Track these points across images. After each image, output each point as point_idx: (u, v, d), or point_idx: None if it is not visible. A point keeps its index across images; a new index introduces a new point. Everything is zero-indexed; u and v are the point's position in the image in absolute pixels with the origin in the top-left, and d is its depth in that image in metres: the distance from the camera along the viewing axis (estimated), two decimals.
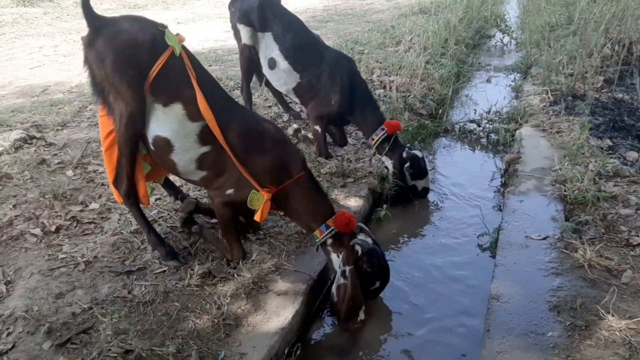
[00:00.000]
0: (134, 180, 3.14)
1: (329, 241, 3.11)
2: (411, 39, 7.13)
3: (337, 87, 4.28)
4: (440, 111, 5.65)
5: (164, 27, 2.96)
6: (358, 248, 3.05)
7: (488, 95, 6.05)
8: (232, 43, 5.19)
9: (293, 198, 3.10)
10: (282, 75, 4.41)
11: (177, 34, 2.98)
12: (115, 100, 2.91)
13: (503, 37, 8.67)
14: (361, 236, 3.12)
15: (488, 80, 6.98)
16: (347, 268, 3.01)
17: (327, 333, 3.14)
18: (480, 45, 8.37)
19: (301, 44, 4.37)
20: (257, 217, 3.03)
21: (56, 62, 7.18)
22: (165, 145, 2.98)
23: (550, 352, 2.57)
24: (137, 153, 3.07)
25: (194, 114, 2.93)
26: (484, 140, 5.44)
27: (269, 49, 4.40)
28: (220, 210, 3.16)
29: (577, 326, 2.71)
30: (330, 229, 3.08)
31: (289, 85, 4.45)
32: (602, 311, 2.75)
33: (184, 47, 2.98)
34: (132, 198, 3.18)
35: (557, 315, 2.80)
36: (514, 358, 2.56)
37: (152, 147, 3.04)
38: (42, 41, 8.50)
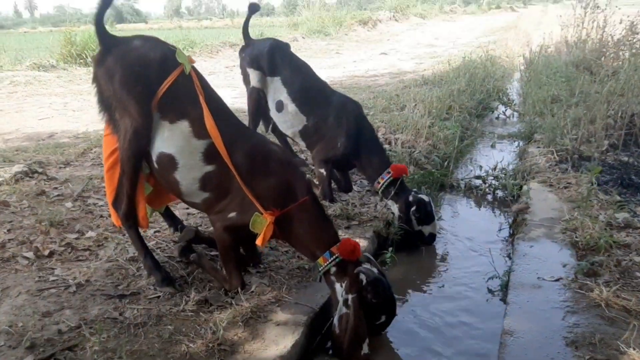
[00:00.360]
0: (134, 201, 3.06)
1: (333, 269, 2.96)
2: (415, 105, 7.21)
3: (344, 130, 4.27)
4: (445, 164, 5.61)
5: (175, 47, 2.99)
6: (362, 277, 2.90)
7: (492, 157, 6.06)
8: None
9: (297, 223, 2.98)
10: (289, 118, 4.42)
11: (188, 55, 3.01)
12: (121, 117, 2.90)
13: (505, 110, 8.79)
14: (366, 266, 2.99)
15: (492, 146, 7.00)
16: (350, 296, 2.85)
17: None
18: (483, 116, 8.47)
19: (309, 87, 4.42)
20: (258, 242, 2.91)
21: (65, 115, 7.26)
22: (169, 162, 2.93)
23: None
24: (139, 171, 3.01)
25: (200, 131, 2.89)
26: (490, 197, 5.37)
27: (277, 92, 4.44)
28: (221, 235, 3.04)
29: None
30: (334, 257, 2.94)
31: (295, 128, 4.44)
32: (623, 346, 2.58)
33: (193, 67, 2.99)
34: (131, 220, 3.09)
35: (575, 350, 2.63)
36: None
37: (155, 166, 2.98)
38: (53, 99, 8.65)
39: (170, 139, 2.90)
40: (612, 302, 2.97)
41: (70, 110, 7.66)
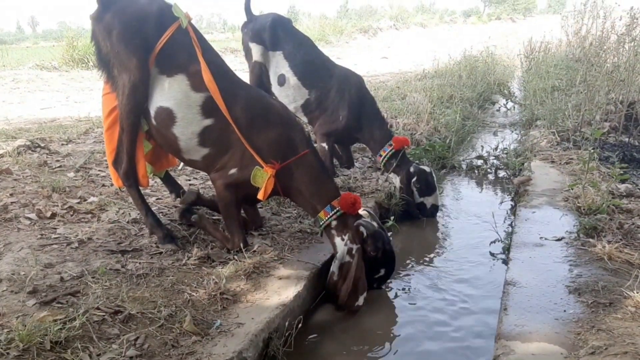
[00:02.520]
0: (134, 159, 3.07)
1: (334, 223, 2.97)
2: (416, 93, 7.23)
3: (346, 103, 4.29)
4: (447, 142, 5.62)
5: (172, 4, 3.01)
6: (363, 230, 2.91)
7: (494, 142, 6.08)
8: None
9: (297, 176, 2.99)
10: (290, 92, 4.43)
11: (185, 12, 3.02)
12: (120, 73, 2.92)
13: (507, 102, 8.82)
14: (367, 219, 2.99)
15: (494, 134, 7.03)
16: (355, 246, 2.85)
17: (331, 322, 2.91)
18: (484, 108, 8.49)
19: (311, 61, 4.43)
20: (260, 195, 2.92)
21: (67, 106, 7.28)
22: (167, 117, 2.93)
23: (574, 325, 2.36)
24: (138, 128, 3.02)
25: (197, 85, 2.90)
26: (491, 176, 5.38)
27: (279, 66, 4.46)
28: (223, 192, 3.04)
29: (600, 303, 2.52)
30: (335, 210, 2.95)
31: (297, 102, 4.45)
32: (626, 292, 2.57)
33: (190, 23, 3.01)
34: (131, 178, 3.10)
35: (578, 297, 2.61)
36: (535, 330, 2.35)
37: (154, 122, 2.98)
38: (55, 94, 8.68)
39: (168, 92, 2.91)
40: (614, 256, 2.96)
41: (72, 101, 7.69)
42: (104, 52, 2.95)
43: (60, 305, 2.40)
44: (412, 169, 4.16)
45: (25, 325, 2.10)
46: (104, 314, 2.34)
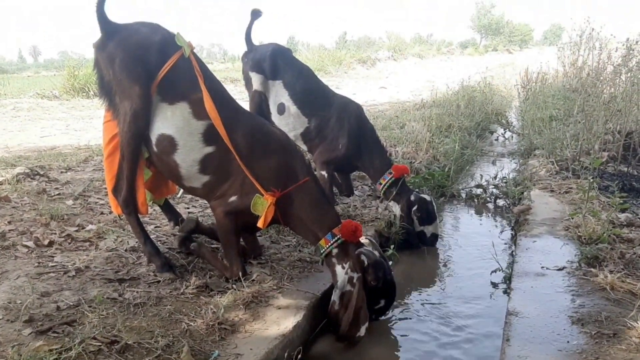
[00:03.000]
0: (134, 186, 3.05)
1: (334, 251, 2.94)
2: (415, 122, 7.27)
3: (345, 131, 4.30)
4: (446, 171, 5.63)
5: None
6: (364, 258, 2.88)
7: (493, 171, 6.09)
8: None
9: (298, 204, 2.97)
10: (290, 120, 4.45)
11: (188, 41, 3.05)
12: (121, 100, 2.92)
13: (505, 132, 8.87)
14: (368, 248, 2.97)
15: (493, 163, 7.05)
16: (356, 275, 2.83)
17: (331, 353, 2.87)
18: (482, 137, 8.54)
19: (310, 90, 4.46)
20: (260, 223, 2.90)
21: (67, 134, 7.32)
22: (169, 144, 2.93)
23: (578, 357, 2.33)
24: (139, 155, 3.02)
25: (199, 112, 2.91)
26: (491, 205, 5.37)
27: (278, 95, 4.48)
28: (223, 220, 3.02)
29: (604, 334, 2.49)
30: (336, 238, 2.93)
31: (297, 131, 4.47)
32: (630, 322, 2.54)
33: (192, 52, 3.03)
34: (131, 206, 3.08)
35: (582, 327, 2.58)
36: None
37: (155, 149, 2.98)
38: (55, 122, 8.72)
39: (170, 120, 2.91)
40: (617, 286, 2.94)
41: (72, 130, 7.73)
42: (106, 80, 2.96)
43: (56, 334, 2.36)
44: (412, 197, 4.16)
45: (21, 355, 2.07)
46: (100, 344, 2.30)
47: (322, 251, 2.96)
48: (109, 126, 3.09)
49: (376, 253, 2.96)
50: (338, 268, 2.93)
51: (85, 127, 7.97)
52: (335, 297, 2.85)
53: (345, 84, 20.29)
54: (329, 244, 2.93)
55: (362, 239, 3.02)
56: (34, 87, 18.85)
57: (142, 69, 2.87)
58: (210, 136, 2.93)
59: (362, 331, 2.83)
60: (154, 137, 2.96)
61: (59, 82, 14.55)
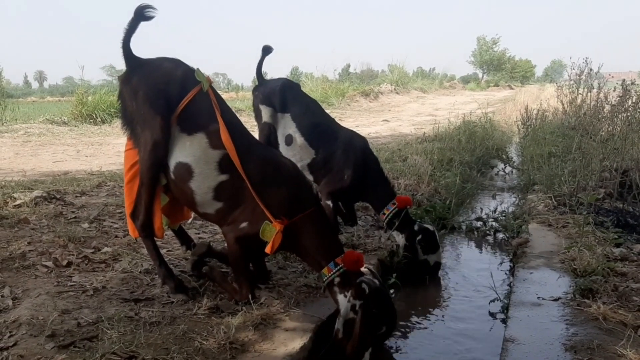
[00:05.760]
0: (152, 211, 3.22)
1: (337, 280, 3.07)
2: (417, 156, 7.47)
3: (351, 163, 4.48)
4: (447, 203, 5.79)
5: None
6: (365, 286, 3.02)
7: (493, 205, 6.26)
8: None
9: (304, 233, 3.12)
10: (297, 151, 4.63)
11: (207, 76, 3.25)
12: (142, 130, 3.11)
13: (505, 167, 9.05)
14: (368, 277, 3.11)
15: (493, 197, 7.22)
16: (358, 302, 2.96)
17: None
18: (483, 172, 8.71)
19: (317, 123, 4.66)
20: (268, 249, 3.05)
21: (78, 160, 7.52)
22: (186, 171, 3.11)
23: None
24: (157, 182, 3.19)
25: (215, 142, 3.09)
26: (490, 238, 5.52)
27: (287, 127, 4.68)
28: (233, 245, 3.18)
29: None
30: (338, 267, 3.06)
31: (304, 161, 4.64)
32: (620, 350, 2.68)
33: (210, 86, 3.23)
34: (148, 230, 3.24)
35: (575, 354, 2.72)
36: None
37: (172, 176, 3.16)
38: (66, 148, 8.93)
39: (188, 149, 3.10)
40: (609, 317, 3.08)
41: (83, 155, 7.94)
42: (130, 111, 3.16)
43: (77, 349, 2.51)
44: (416, 227, 4.31)
45: None
46: (119, 358, 2.45)
47: (324, 279, 3.10)
48: (129, 154, 3.28)
49: (376, 281, 3.10)
50: (340, 297, 3.05)
51: (96, 153, 8.19)
52: (339, 325, 2.97)
53: (348, 115, 20.56)
54: (332, 272, 3.06)
55: (363, 268, 3.16)
56: (41, 112, 19.13)
57: (163, 101, 3.07)
58: (224, 165, 3.10)
59: (367, 357, 2.95)
60: (172, 165, 3.14)
61: (66, 108, 14.81)
